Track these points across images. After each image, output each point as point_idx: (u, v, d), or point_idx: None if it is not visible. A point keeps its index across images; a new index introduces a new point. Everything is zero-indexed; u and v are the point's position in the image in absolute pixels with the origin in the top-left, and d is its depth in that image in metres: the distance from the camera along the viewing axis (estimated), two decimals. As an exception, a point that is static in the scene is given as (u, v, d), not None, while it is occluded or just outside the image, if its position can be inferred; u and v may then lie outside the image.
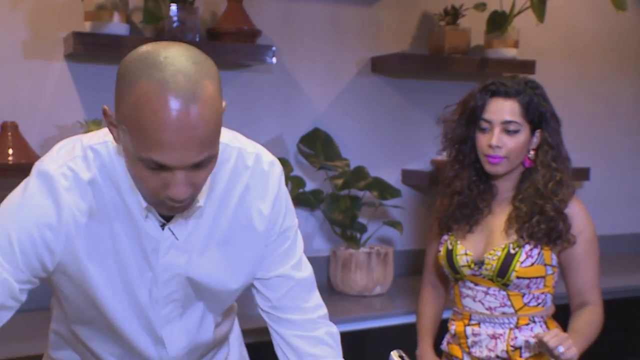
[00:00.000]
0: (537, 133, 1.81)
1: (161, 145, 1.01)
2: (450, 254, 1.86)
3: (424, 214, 3.05)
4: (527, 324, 1.81)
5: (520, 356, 1.79)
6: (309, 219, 2.83)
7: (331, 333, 1.40)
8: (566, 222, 1.78)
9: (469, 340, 1.85)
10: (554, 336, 1.58)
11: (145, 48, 1.06)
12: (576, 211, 1.81)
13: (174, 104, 0.99)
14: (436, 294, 2.04)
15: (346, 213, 2.55)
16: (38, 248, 1.15)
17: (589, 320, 1.78)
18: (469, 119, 1.81)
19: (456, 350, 1.89)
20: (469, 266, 1.82)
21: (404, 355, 1.32)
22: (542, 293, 1.82)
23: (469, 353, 1.85)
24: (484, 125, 1.78)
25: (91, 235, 1.18)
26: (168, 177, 1.06)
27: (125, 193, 1.18)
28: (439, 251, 1.90)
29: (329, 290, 2.68)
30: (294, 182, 2.55)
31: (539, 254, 1.78)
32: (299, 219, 2.91)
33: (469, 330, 1.84)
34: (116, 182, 1.17)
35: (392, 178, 2.92)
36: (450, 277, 1.89)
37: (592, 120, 3.43)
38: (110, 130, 1.12)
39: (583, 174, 3.19)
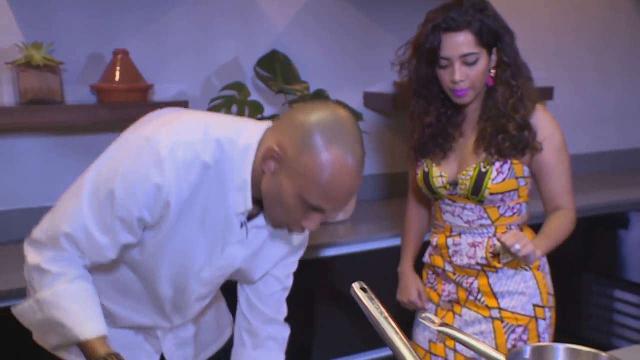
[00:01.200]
0: (494, 51, 1.83)
1: (333, 200, 1.28)
2: (426, 176, 1.93)
3: (387, 138, 3.00)
4: (504, 232, 1.86)
5: (499, 262, 1.86)
6: None
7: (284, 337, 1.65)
8: (531, 131, 1.83)
9: (450, 250, 1.93)
10: (511, 236, 1.66)
11: (329, 114, 1.28)
12: (541, 119, 1.85)
13: (353, 173, 1.28)
14: (420, 213, 2.12)
15: None
16: (140, 217, 1.30)
17: (559, 223, 1.85)
18: (428, 59, 1.82)
19: (438, 261, 1.98)
20: (445, 187, 1.90)
21: (365, 286, 1.26)
22: (517, 203, 1.90)
23: (450, 262, 1.94)
24: (443, 62, 1.79)
25: (187, 208, 1.32)
26: (313, 215, 1.31)
27: (229, 188, 1.32)
28: (417, 174, 1.98)
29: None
30: (251, 107, 2.46)
31: (509, 168, 1.83)
32: None
33: (449, 241, 1.93)
34: (224, 177, 1.32)
35: (354, 101, 2.85)
36: (430, 196, 1.97)
37: (558, 37, 3.37)
38: (267, 162, 1.28)
39: (547, 93, 3.14)
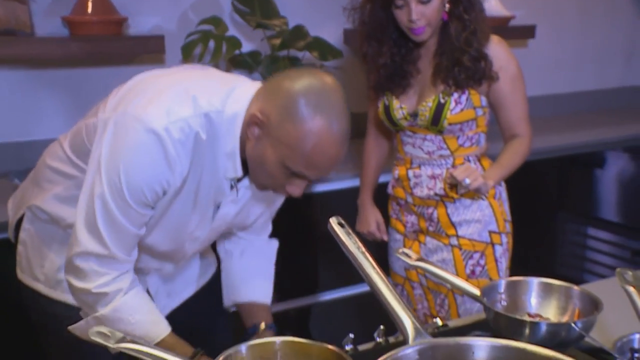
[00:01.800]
0: None
1: (315, 167, 1.28)
2: (387, 109, 1.98)
3: (360, 76, 2.95)
4: (463, 163, 1.94)
5: (457, 193, 1.92)
6: None
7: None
8: (487, 61, 1.88)
9: (411, 182, 2.00)
10: (462, 170, 1.77)
11: (315, 82, 1.27)
12: (496, 49, 1.90)
13: (337, 144, 1.27)
14: (379, 145, 2.16)
15: None
16: (152, 194, 1.31)
17: (514, 150, 1.94)
18: (384, 3, 1.86)
19: (400, 192, 2.04)
20: (405, 118, 1.95)
21: (343, 222, 1.26)
22: (475, 133, 1.95)
23: (412, 193, 2.01)
24: (399, 2, 1.82)
25: (183, 183, 1.34)
26: (296, 181, 1.32)
27: (219, 156, 1.34)
28: (378, 107, 2.02)
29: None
30: (229, 43, 2.41)
31: (467, 99, 1.89)
32: None
33: (410, 173, 1.99)
34: (215, 147, 1.33)
35: (334, 38, 2.79)
36: (391, 128, 2.02)
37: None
38: (251, 128, 1.28)
39: (528, 31, 3.11)
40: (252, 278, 1.62)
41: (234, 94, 1.33)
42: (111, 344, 1.05)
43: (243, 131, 1.31)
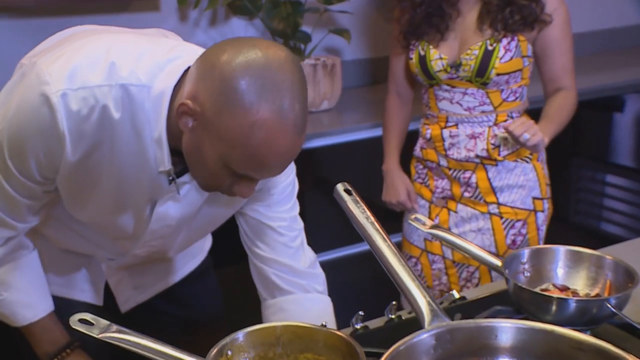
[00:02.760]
0: None
1: (264, 167, 1.04)
2: (423, 60, 1.79)
3: (375, 19, 2.86)
4: (505, 121, 1.79)
5: (499, 154, 1.80)
6: (247, 29, 2.64)
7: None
8: (539, 2, 1.72)
9: (446, 143, 1.83)
10: (519, 124, 1.61)
11: (258, 58, 1.00)
12: None
13: (290, 134, 1.01)
14: (402, 104, 1.99)
15: (288, 21, 2.39)
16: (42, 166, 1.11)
17: (561, 104, 1.78)
18: None
19: (431, 154, 1.87)
20: (445, 70, 1.77)
21: (350, 188, 1.14)
22: (520, 87, 1.80)
23: (446, 156, 1.84)
24: None
25: (95, 163, 1.11)
26: (243, 182, 1.08)
27: (147, 142, 1.09)
28: (411, 58, 1.82)
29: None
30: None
31: (516, 46, 1.73)
32: (236, 29, 2.71)
33: (445, 132, 1.82)
34: (139, 129, 1.08)
35: (338, -21, 2.64)
36: (425, 83, 1.83)
37: None
38: (182, 118, 1.03)
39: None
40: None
41: (170, 67, 1.08)
42: (95, 334, 0.95)
43: (173, 116, 1.06)
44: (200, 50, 1.10)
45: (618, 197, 3.24)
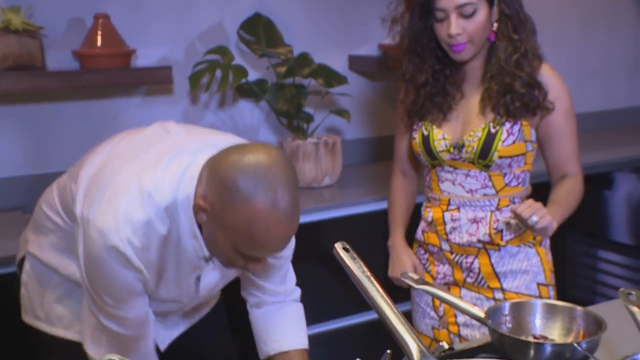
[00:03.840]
0: (495, 3, 1.69)
1: (265, 249, 1.27)
2: (426, 140, 1.77)
3: (373, 101, 2.99)
4: (508, 206, 1.75)
5: (502, 239, 1.75)
6: (253, 110, 2.75)
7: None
8: (542, 90, 1.70)
9: (448, 227, 1.78)
10: (527, 207, 1.57)
11: (251, 161, 1.22)
12: (549, 77, 1.73)
13: (283, 221, 1.22)
14: (407, 182, 1.96)
15: (291, 102, 2.47)
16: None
17: (569, 190, 1.74)
18: (422, 12, 1.70)
19: (433, 238, 1.83)
20: (448, 150, 1.75)
21: (348, 246, 1.27)
22: (522, 172, 1.77)
23: (447, 240, 1.79)
24: (439, 15, 1.66)
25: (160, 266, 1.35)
26: (255, 260, 1.30)
27: (186, 238, 1.31)
28: (414, 138, 1.80)
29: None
30: (235, 72, 2.44)
31: (519, 130, 1.71)
32: (243, 111, 2.85)
33: (447, 216, 1.78)
34: (179, 232, 1.31)
35: (339, 64, 2.83)
36: (427, 163, 1.81)
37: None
38: (198, 214, 1.27)
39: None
40: (278, 326, 1.58)
41: (185, 177, 1.29)
42: None
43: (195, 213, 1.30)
44: (199, 140, 1.36)
45: (612, 273, 3.28)
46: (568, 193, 1.73)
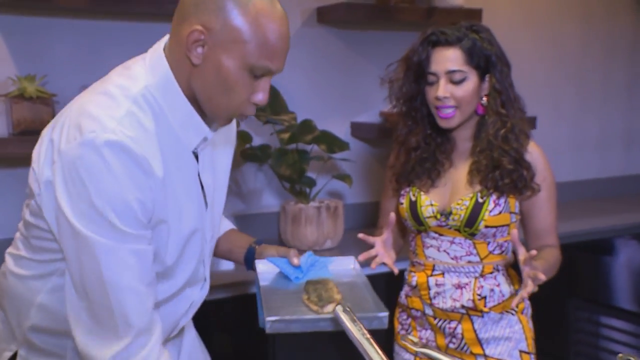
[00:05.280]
0: (487, 78, 1.74)
1: (275, 54, 1.24)
2: (414, 205, 1.79)
3: (374, 167, 3.04)
4: (491, 273, 1.78)
5: (485, 305, 1.77)
6: (257, 174, 2.79)
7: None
8: (530, 170, 1.75)
9: (432, 292, 1.79)
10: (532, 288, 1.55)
11: None
12: (536, 157, 1.78)
13: (284, 18, 1.25)
14: (396, 238, 1.92)
15: (294, 167, 2.51)
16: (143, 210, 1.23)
17: (552, 253, 1.78)
18: (416, 75, 1.76)
19: (416, 303, 1.84)
20: (435, 217, 1.77)
21: (348, 308, 1.30)
22: (506, 241, 1.79)
23: (431, 304, 1.80)
24: (431, 78, 1.72)
25: (166, 179, 1.28)
26: (261, 84, 1.27)
27: (177, 129, 1.28)
28: (401, 203, 1.82)
29: (280, 245, 2.63)
30: (240, 138, 2.49)
31: (505, 201, 1.74)
32: (247, 174, 2.88)
33: (432, 280, 1.79)
34: (169, 123, 1.27)
35: (341, 131, 2.89)
36: (413, 228, 1.82)
37: (539, 66, 3.44)
38: (193, 52, 1.22)
39: (530, 122, 3.19)
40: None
41: (147, 65, 1.27)
42: None
43: (182, 83, 1.26)
44: (139, 58, 1.32)
45: (616, 339, 3.27)
46: (550, 256, 1.75)
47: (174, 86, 1.27)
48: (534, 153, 1.77)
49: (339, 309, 1.31)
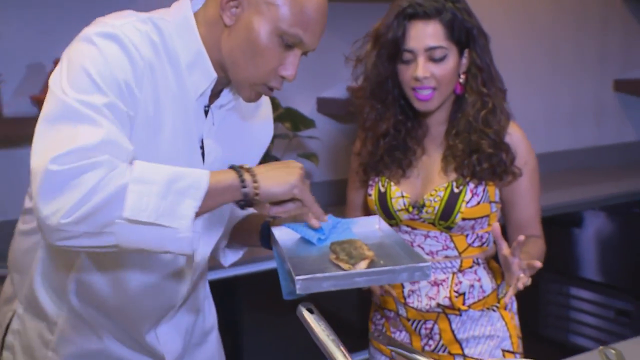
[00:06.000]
0: (466, 53, 1.58)
1: (309, 24, 1.17)
2: (383, 197, 1.63)
3: (342, 143, 2.98)
4: (471, 267, 1.63)
5: (464, 303, 1.62)
6: None
7: None
8: (509, 153, 1.60)
9: (406, 290, 1.63)
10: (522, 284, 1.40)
11: None
12: (518, 140, 1.62)
13: None
14: None
15: None
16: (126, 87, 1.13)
17: (536, 245, 1.62)
18: (390, 53, 1.56)
19: (390, 303, 1.68)
20: (407, 210, 1.61)
21: (313, 308, 1.21)
22: (486, 232, 1.64)
23: (405, 304, 1.64)
24: (407, 56, 1.54)
25: (154, 89, 1.18)
26: (291, 57, 1.19)
27: (183, 71, 1.20)
28: (370, 195, 1.67)
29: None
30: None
31: (484, 190, 1.59)
32: None
33: None
34: (174, 59, 1.19)
35: (307, 108, 2.82)
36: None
37: (510, 39, 3.39)
38: (226, 12, 1.18)
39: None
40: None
41: (169, 8, 1.23)
42: None
43: (203, 34, 1.20)
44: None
45: (586, 310, 3.29)
46: (537, 249, 1.61)
47: (190, 24, 1.21)
48: (514, 135, 1.62)
49: (303, 307, 1.22)
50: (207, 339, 1.55)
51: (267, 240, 1.40)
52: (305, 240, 1.33)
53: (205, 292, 1.55)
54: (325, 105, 2.86)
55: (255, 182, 1.13)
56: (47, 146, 1.04)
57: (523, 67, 3.45)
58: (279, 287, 1.32)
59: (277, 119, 2.46)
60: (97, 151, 1.03)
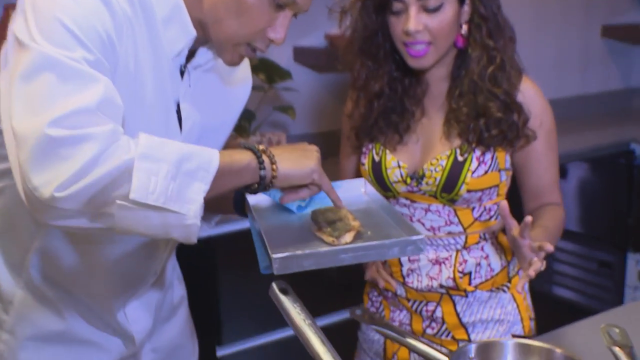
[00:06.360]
0: (467, 1, 1.39)
1: None
2: (377, 167, 1.46)
3: (321, 94, 2.87)
4: (477, 243, 1.46)
5: (470, 283, 1.46)
6: None
7: None
8: (522, 114, 1.41)
9: (404, 269, 1.48)
10: (535, 270, 1.24)
11: None
12: (532, 97, 1.43)
13: None
14: None
15: None
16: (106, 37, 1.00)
17: (554, 215, 1.44)
18: (378, 3, 1.39)
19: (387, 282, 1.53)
20: (404, 181, 1.44)
21: (287, 287, 1.07)
22: (495, 204, 1.46)
23: (404, 283, 1.48)
24: (397, 6, 1.35)
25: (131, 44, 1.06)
26: (280, 18, 1.10)
27: (159, 24, 1.08)
28: (363, 164, 1.49)
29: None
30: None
31: (492, 157, 1.41)
32: None
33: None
34: (148, 10, 1.07)
35: (283, 57, 2.68)
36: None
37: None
38: None
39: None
40: None
41: None
42: None
43: (194, 4, 1.08)
44: None
45: (566, 261, 3.29)
46: (553, 219, 1.43)
47: None
48: (527, 92, 1.43)
49: (275, 286, 1.09)
50: (175, 313, 1.46)
51: (242, 207, 1.28)
52: (283, 208, 1.21)
53: (173, 264, 1.45)
54: (302, 55, 2.73)
55: (273, 163, 1.05)
56: (34, 106, 0.91)
57: (508, 15, 3.31)
58: (254, 250, 1.20)
59: (251, 70, 2.32)
60: (99, 112, 0.92)
